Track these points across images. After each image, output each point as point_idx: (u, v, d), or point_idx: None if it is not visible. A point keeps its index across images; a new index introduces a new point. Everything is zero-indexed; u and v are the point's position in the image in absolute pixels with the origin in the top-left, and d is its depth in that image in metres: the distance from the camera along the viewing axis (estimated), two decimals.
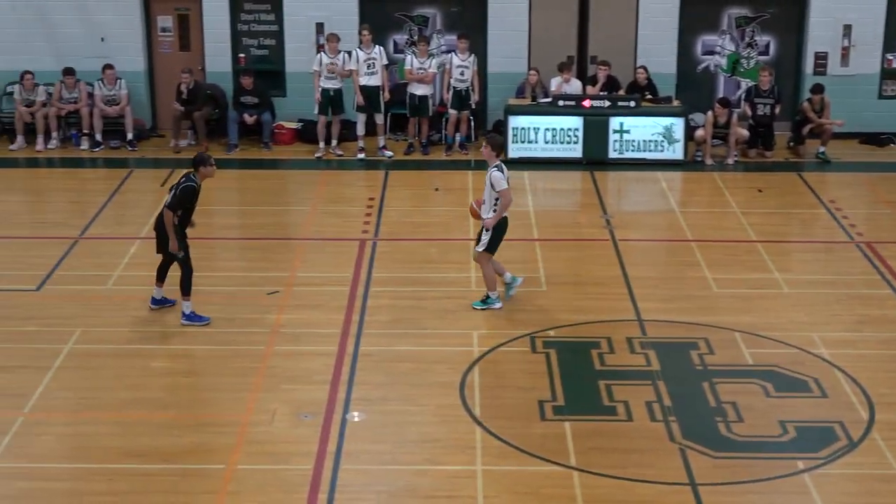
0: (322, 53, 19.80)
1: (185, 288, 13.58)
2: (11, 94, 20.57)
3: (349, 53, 19.82)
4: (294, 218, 17.73)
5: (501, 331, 13.49)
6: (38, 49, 20.75)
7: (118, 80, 20.31)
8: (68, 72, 20.21)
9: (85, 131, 20.39)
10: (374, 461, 10.86)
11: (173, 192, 13.47)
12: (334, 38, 19.81)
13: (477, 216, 14.05)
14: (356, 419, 11.57)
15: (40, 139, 20.28)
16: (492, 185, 13.54)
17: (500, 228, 13.80)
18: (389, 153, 19.99)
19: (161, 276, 13.90)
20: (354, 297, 14.42)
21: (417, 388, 12.22)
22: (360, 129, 19.99)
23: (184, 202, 13.40)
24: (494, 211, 13.62)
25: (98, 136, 20.37)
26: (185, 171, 13.76)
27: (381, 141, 20.08)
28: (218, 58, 21.06)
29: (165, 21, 21.17)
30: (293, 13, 20.73)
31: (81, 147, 20.44)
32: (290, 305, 14.25)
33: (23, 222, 17.22)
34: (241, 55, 21.13)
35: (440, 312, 14.04)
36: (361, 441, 11.17)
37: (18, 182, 19.18)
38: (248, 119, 20.14)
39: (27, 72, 20.18)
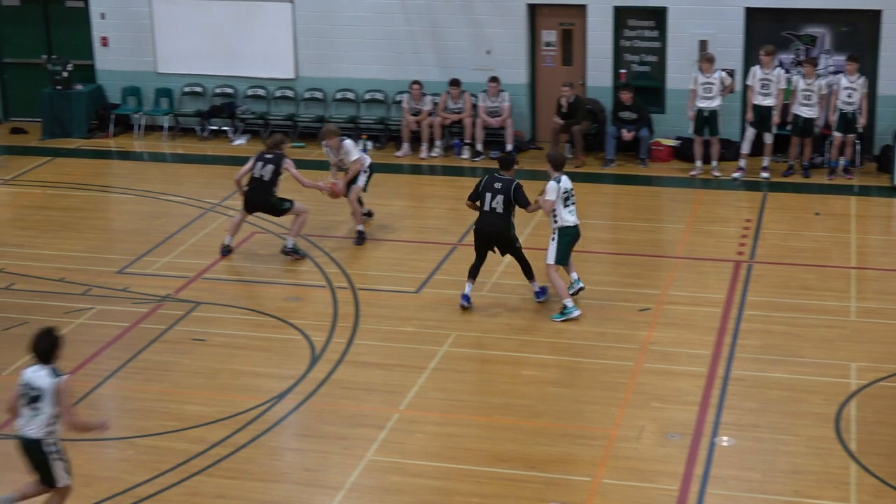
0: (698, 73, 19.61)
1: (530, 273, 14.71)
2: (400, 102, 21.44)
3: (726, 72, 19.71)
4: (667, 235, 17.59)
5: (883, 364, 12.92)
6: (426, 60, 21.53)
7: (501, 93, 20.81)
8: (454, 83, 20.88)
9: (467, 141, 21.00)
10: (742, 488, 10.66)
11: (508, 192, 14.41)
12: (708, 57, 19.61)
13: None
14: (724, 444, 11.39)
15: (424, 147, 21.06)
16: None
17: (564, 239, 14.37)
18: (766, 175, 19.54)
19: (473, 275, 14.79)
20: (727, 320, 14.18)
21: (790, 416, 11.89)
22: (745, 148, 19.64)
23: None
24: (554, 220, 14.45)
25: (479, 146, 20.94)
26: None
27: (766, 161, 19.63)
28: (599, 73, 21.18)
29: (550, 35, 21.49)
30: (677, 30, 20.57)
31: (462, 156, 21.04)
32: (660, 323, 14.18)
33: (406, 226, 17.84)
34: (622, 71, 21.18)
35: (817, 341, 13.61)
36: (729, 466, 10.99)
37: (403, 187, 19.90)
38: (626, 135, 20.16)
39: (415, 82, 20.98)
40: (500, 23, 21.23)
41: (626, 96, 20.27)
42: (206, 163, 20.95)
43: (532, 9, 21.24)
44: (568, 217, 14.34)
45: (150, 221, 17.99)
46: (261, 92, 22.25)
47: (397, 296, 15.17)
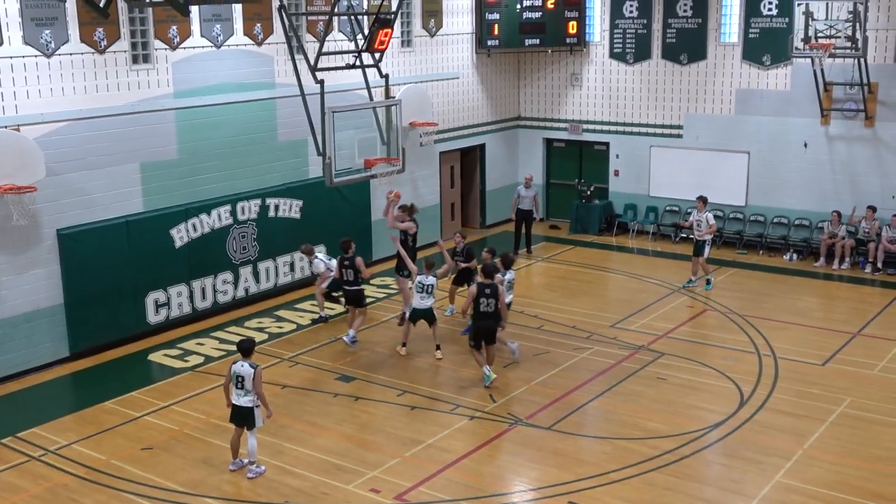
0: None
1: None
2: (821, 228, 20.18)
3: None
4: None
5: None
6: (844, 197, 20.11)
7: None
8: (871, 209, 19.43)
9: (870, 260, 19.39)
10: None
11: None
12: None
13: None
14: None
15: (836, 261, 19.69)
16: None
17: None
18: None
19: None
20: None
21: None
22: None
23: None
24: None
25: (879, 265, 19.27)
26: None
27: None
28: None
29: None
30: None
31: (865, 270, 19.42)
32: None
33: (815, 317, 16.69)
34: None
35: None
36: None
37: (816, 289, 18.58)
38: None
39: (835, 212, 19.76)
40: None
41: None
42: (675, 259, 20.77)
43: None
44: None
45: (635, 294, 18.03)
46: (719, 213, 21.67)
47: (807, 366, 14.22)
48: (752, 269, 19.78)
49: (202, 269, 16.55)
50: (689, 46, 21.54)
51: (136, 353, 15.20)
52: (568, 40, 22.48)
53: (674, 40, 21.71)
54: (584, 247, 21.88)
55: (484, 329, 13.32)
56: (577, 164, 23.81)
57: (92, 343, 15.07)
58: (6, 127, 13.64)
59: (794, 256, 20.40)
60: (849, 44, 18.38)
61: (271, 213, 17.64)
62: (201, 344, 15.53)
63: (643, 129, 22.45)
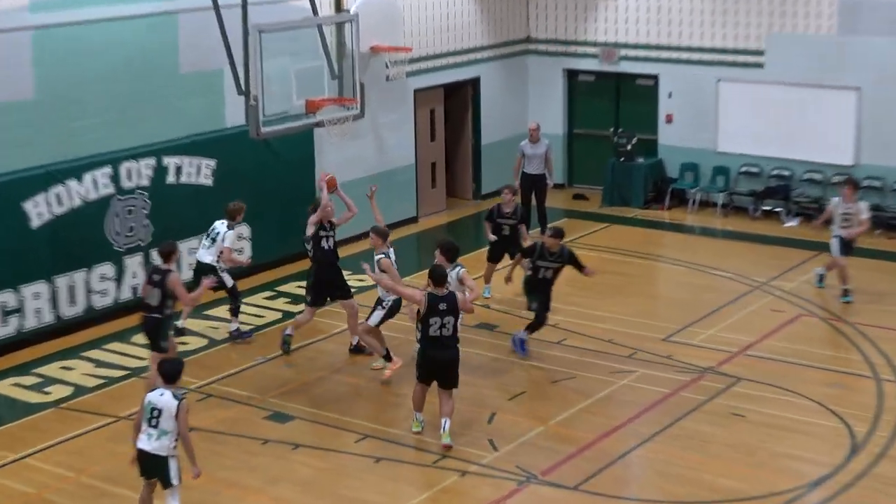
0: None
1: None
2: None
3: None
4: None
5: None
6: None
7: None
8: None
9: None
10: None
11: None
12: None
13: None
14: None
15: None
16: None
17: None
18: None
19: None
20: None
21: None
22: None
23: None
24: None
25: None
26: None
27: None
28: None
29: None
30: None
31: None
32: None
33: None
34: None
35: None
36: None
37: None
38: None
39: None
40: None
41: None
42: (756, 242, 20.68)
43: None
44: None
45: (698, 293, 17.96)
46: (817, 176, 21.61)
47: None
48: (864, 256, 19.60)
49: (70, 260, 16.37)
50: None
51: None
52: None
53: None
54: (624, 224, 21.88)
55: (437, 362, 12.69)
56: (613, 107, 23.81)
57: None
58: None
59: None
60: None
61: (170, 179, 17.50)
62: (69, 368, 15.34)
63: (707, 57, 22.45)
